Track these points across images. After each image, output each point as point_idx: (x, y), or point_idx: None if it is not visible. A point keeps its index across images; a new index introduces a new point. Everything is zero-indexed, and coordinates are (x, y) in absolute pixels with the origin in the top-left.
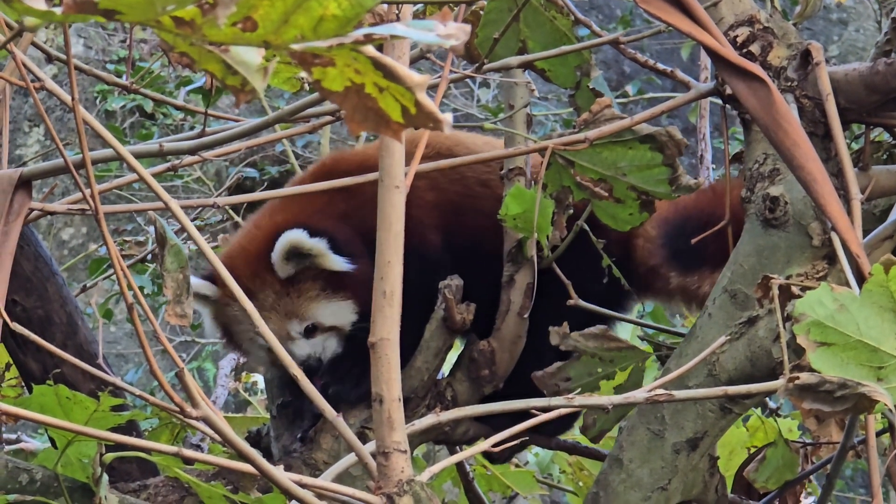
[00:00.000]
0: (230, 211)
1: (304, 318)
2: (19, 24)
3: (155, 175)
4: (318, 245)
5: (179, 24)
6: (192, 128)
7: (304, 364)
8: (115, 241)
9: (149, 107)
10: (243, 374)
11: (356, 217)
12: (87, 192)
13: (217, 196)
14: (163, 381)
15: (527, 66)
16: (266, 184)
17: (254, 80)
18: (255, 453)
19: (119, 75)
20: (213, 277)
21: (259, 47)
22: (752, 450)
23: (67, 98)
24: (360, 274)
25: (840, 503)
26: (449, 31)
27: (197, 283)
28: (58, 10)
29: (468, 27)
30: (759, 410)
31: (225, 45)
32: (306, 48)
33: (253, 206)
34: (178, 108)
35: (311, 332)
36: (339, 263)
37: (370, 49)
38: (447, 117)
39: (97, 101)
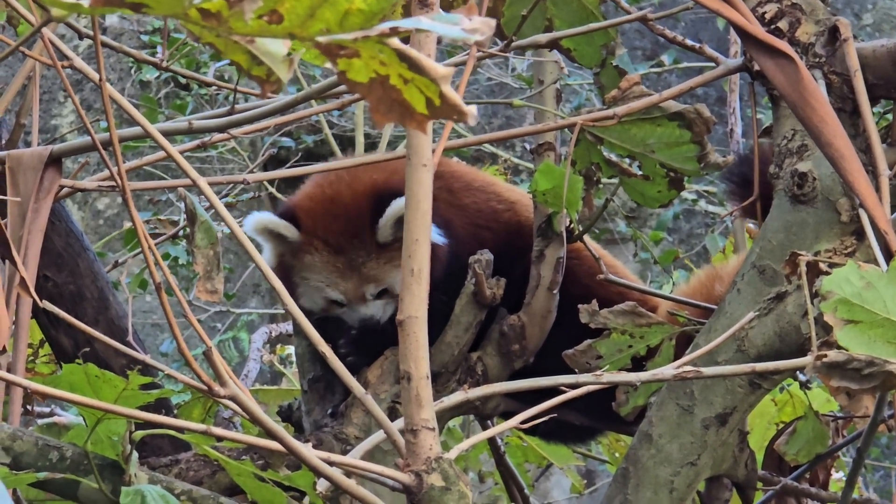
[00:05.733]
0: (266, 184)
1: (381, 283)
2: (46, 12)
3: (183, 152)
4: None
5: (206, 16)
6: (226, 98)
7: (365, 322)
8: (150, 213)
9: (183, 77)
10: (278, 346)
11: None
12: (115, 169)
13: (247, 173)
14: (191, 360)
15: (553, 44)
16: (300, 154)
17: (279, 70)
18: (283, 431)
19: (153, 45)
20: (296, 219)
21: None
22: (781, 425)
23: (96, 76)
24: (441, 249)
25: (875, 472)
26: (474, 26)
27: (276, 221)
28: (85, 2)
29: (493, 22)
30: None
31: (251, 37)
32: (331, 40)
33: (285, 179)
34: (208, 84)
35: (380, 295)
36: (435, 236)
37: (395, 41)
38: (472, 109)
39: (132, 72)
